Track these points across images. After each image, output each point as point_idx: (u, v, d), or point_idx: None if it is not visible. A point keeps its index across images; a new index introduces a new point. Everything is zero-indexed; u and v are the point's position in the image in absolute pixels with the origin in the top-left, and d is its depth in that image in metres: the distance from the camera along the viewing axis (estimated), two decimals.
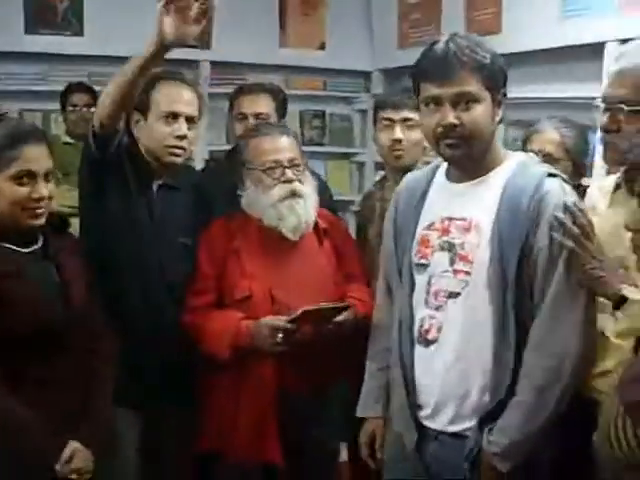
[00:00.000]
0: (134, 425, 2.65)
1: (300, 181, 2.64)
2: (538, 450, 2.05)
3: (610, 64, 2.41)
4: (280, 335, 2.46)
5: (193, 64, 5.08)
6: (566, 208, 1.97)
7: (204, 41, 5.03)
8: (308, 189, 2.67)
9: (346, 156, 5.75)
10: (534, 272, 2.00)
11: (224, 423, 2.60)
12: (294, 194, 2.61)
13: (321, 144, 5.68)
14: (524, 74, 4.17)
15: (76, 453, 2.21)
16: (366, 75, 5.63)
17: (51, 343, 2.17)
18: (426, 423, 2.17)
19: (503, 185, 2.05)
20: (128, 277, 2.64)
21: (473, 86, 1.99)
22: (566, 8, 3.76)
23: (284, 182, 2.62)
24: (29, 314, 2.11)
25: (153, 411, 2.68)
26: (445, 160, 2.16)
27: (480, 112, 2.01)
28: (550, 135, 2.83)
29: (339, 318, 2.54)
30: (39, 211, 2.19)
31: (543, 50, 3.88)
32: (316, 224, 2.72)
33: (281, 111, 3.31)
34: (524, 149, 2.82)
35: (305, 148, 4.62)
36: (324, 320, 2.53)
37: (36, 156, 2.18)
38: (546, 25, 3.84)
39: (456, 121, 2.00)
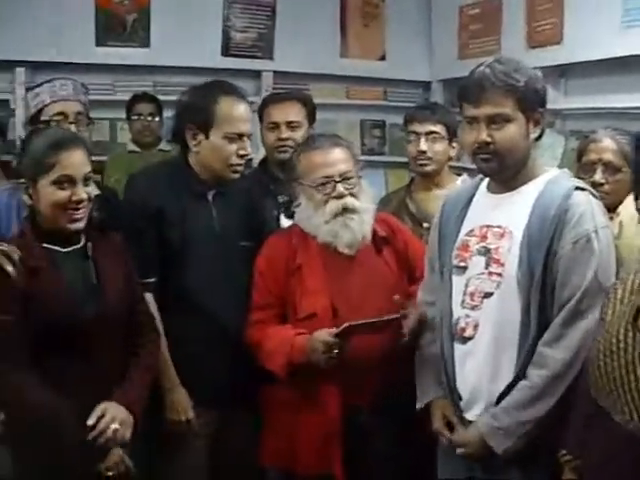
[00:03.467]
0: (207, 423, 2.71)
1: (353, 194, 2.60)
2: (537, 443, 2.14)
3: None
4: (335, 350, 2.44)
5: (255, 74, 5.19)
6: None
7: (267, 52, 5.15)
8: (362, 202, 2.63)
9: (406, 165, 5.75)
10: (556, 274, 2.14)
11: (288, 438, 2.60)
12: (346, 210, 2.59)
13: (381, 153, 5.74)
14: (585, 85, 4.18)
15: (107, 409, 2.22)
16: (426, 85, 5.67)
17: (85, 340, 2.22)
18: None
19: (536, 196, 2.22)
20: (196, 284, 2.68)
21: (505, 107, 2.18)
22: (627, 18, 3.72)
23: (336, 198, 2.59)
24: (59, 310, 2.17)
25: (226, 412, 2.73)
26: (480, 172, 2.34)
27: (512, 131, 2.20)
28: (608, 143, 2.81)
29: (405, 330, 2.46)
30: (78, 215, 2.26)
31: (604, 60, 3.85)
32: (375, 232, 2.69)
33: (312, 118, 3.34)
34: (579, 160, 2.84)
35: (365, 157, 4.71)
36: (378, 331, 2.50)
37: (75, 162, 2.25)
38: (607, 35, 3.80)
39: (489, 139, 2.20)
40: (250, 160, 2.88)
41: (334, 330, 2.43)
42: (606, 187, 2.67)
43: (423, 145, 3.19)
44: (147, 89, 4.94)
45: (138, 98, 4.70)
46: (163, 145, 4.64)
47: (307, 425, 2.56)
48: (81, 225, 2.28)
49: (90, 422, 2.17)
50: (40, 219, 2.27)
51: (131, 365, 2.39)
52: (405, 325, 2.45)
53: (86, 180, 2.27)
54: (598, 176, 2.71)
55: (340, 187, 2.59)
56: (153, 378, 2.49)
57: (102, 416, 2.20)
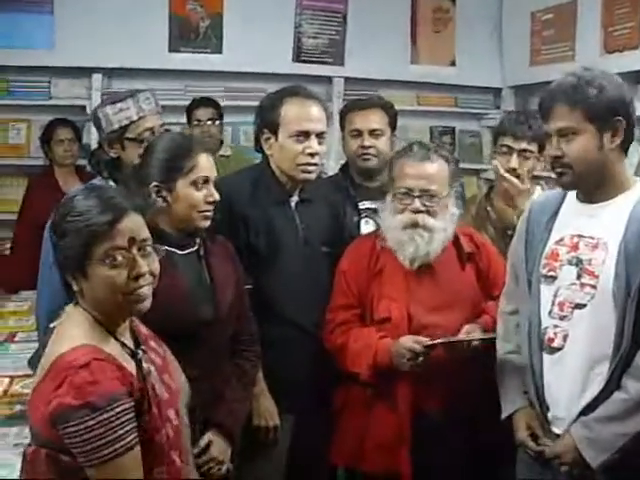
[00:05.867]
0: (288, 428, 2.74)
1: (430, 212, 2.60)
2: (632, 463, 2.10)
3: None
4: (421, 358, 2.48)
5: (327, 80, 5.22)
6: None
7: (338, 58, 5.17)
8: (439, 221, 2.63)
9: (475, 172, 5.74)
10: None
11: (359, 439, 2.64)
12: (416, 225, 2.60)
13: None
14: None
15: (213, 443, 2.32)
16: (496, 92, 5.63)
17: (195, 338, 2.29)
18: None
19: (631, 208, 2.18)
20: (280, 290, 2.71)
21: (571, 121, 2.17)
22: None
23: (411, 211, 2.61)
24: (178, 309, 2.24)
25: (304, 416, 2.76)
26: (558, 186, 2.33)
27: (581, 143, 2.18)
28: None
29: (475, 343, 2.52)
30: (210, 214, 2.38)
31: None
32: (460, 246, 2.71)
33: (393, 125, 3.33)
34: None
35: None
36: (458, 349, 2.53)
37: (209, 164, 2.38)
38: None
39: (558, 152, 2.21)
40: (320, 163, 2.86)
41: (426, 341, 2.47)
42: None
43: (514, 162, 3.04)
44: (218, 94, 5.00)
45: (197, 103, 4.70)
46: (223, 150, 4.69)
47: (378, 425, 2.61)
48: (208, 223, 2.39)
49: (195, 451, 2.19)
50: (167, 220, 2.33)
51: (236, 377, 2.46)
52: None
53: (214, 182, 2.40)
54: None
55: (417, 202, 2.61)
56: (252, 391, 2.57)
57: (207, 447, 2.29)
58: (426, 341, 2.48)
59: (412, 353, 2.48)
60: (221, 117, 4.70)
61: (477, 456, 2.60)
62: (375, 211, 3.03)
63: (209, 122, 4.64)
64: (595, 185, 2.23)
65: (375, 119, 3.26)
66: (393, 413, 2.58)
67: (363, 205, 3.17)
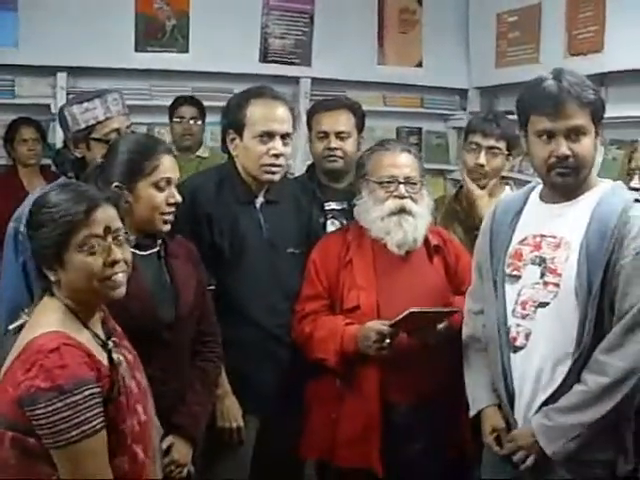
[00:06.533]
0: (252, 429, 2.74)
1: (413, 199, 2.69)
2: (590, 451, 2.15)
3: None
4: (387, 341, 2.51)
5: (294, 80, 5.22)
6: None
7: (304, 58, 5.17)
8: (421, 208, 2.71)
9: (441, 173, 5.77)
10: (616, 285, 2.13)
11: (329, 432, 2.67)
12: (403, 211, 2.67)
13: None
14: (625, 93, 4.13)
15: (174, 445, 2.33)
16: (462, 93, 5.67)
17: (157, 339, 2.28)
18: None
19: (593, 207, 2.21)
20: (245, 291, 2.71)
21: (582, 120, 2.18)
22: None
23: (396, 197, 2.68)
24: (139, 310, 2.22)
25: (269, 417, 2.77)
26: (554, 187, 2.29)
27: (587, 143, 2.20)
28: None
29: (441, 326, 2.56)
30: (171, 216, 2.36)
31: None
32: (427, 241, 2.76)
33: (360, 126, 3.32)
34: (629, 168, 2.85)
35: None
36: (427, 326, 2.56)
37: (171, 165, 2.37)
38: None
39: (569, 152, 2.18)
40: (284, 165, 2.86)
41: (397, 317, 2.48)
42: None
43: (482, 159, 3.10)
44: (185, 95, 4.97)
45: (181, 100, 4.69)
46: (201, 151, 4.68)
47: (347, 418, 2.65)
48: (169, 227, 2.37)
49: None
50: (128, 221, 2.27)
51: (198, 379, 2.45)
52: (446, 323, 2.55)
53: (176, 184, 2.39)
54: (634, 182, 2.79)
55: (402, 188, 2.68)
56: (215, 393, 2.56)
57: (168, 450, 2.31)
58: (392, 320, 2.49)
59: (378, 335, 2.51)
60: (204, 117, 4.69)
61: (447, 451, 2.65)
62: (341, 212, 3.10)
63: (192, 121, 4.63)
64: (578, 186, 2.25)
65: (342, 121, 3.24)
66: (362, 405, 2.62)
67: (329, 206, 3.17)
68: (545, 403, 2.20)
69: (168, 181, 2.34)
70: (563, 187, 2.26)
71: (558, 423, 2.15)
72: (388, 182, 2.69)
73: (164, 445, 2.28)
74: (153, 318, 2.29)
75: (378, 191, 2.70)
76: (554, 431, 2.15)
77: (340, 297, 2.71)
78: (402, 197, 2.68)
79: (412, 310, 2.44)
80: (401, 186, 2.68)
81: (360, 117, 3.31)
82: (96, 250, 1.81)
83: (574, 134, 2.17)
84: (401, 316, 2.46)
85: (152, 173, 2.32)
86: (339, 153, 3.20)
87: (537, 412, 2.21)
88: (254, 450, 2.77)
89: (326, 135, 3.23)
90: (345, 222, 3.08)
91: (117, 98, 2.73)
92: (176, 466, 2.33)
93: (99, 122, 2.66)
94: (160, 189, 2.33)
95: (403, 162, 2.72)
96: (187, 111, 4.63)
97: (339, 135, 3.21)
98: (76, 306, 1.84)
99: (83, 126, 2.66)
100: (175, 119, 4.65)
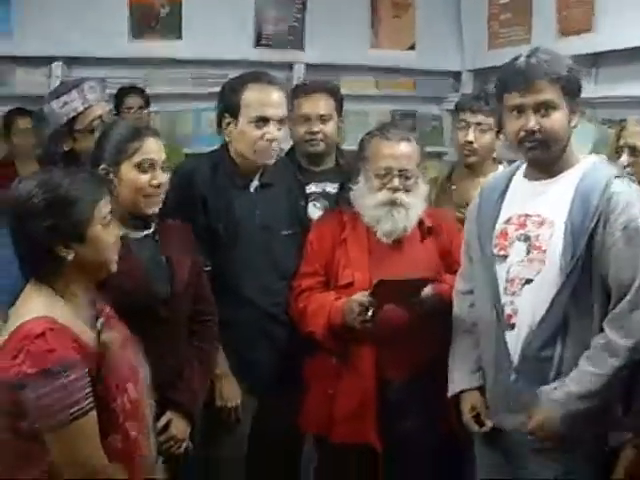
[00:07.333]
0: (250, 409, 2.80)
1: (407, 191, 2.72)
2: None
3: None
4: (369, 313, 2.55)
5: (287, 66, 5.24)
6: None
7: (298, 44, 5.18)
8: (414, 199, 2.74)
9: (437, 155, 5.79)
10: (607, 259, 2.17)
11: (327, 408, 2.73)
12: (394, 203, 2.70)
13: None
14: (615, 73, 4.17)
15: (172, 422, 2.38)
16: (456, 75, 5.68)
17: (153, 316, 2.32)
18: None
19: (576, 184, 2.25)
20: (243, 273, 2.76)
21: (552, 95, 2.23)
22: None
23: (389, 189, 2.71)
24: (133, 287, 2.27)
25: (266, 396, 2.82)
26: (527, 160, 2.36)
27: (558, 118, 2.24)
28: (634, 129, 2.87)
29: (425, 292, 2.60)
30: (156, 198, 2.39)
31: (635, 48, 3.84)
32: (422, 222, 2.80)
33: (339, 109, 3.33)
34: (617, 146, 2.89)
35: None
36: (407, 295, 2.60)
37: (155, 147, 2.39)
38: (639, 23, 3.79)
39: (537, 126, 2.23)
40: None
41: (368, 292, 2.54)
42: (629, 169, 2.73)
43: (471, 135, 3.18)
44: (180, 81, 5.04)
45: (127, 91, 4.68)
46: None
47: (343, 395, 2.71)
48: (157, 209, 2.40)
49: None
50: (117, 203, 2.32)
51: (195, 358, 2.50)
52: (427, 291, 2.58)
53: (162, 167, 2.39)
54: (622, 159, 2.81)
55: (396, 181, 2.71)
56: (212, 371, 2.61)
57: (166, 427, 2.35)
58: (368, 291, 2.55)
59: (360, 307, 2.55)
60: (148, 105, 4.70)
61: (440, 426, 2.68)
62: (321, 194, 3.15)
63: (139, 110, 4.63)
64: (553, 161, 2.30)
65: (323, 104, 3.25)
66: (358, 382, 2.67)
67: (310, 189, 3.20)
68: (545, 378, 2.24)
69: (151, 163, 2.36)
70: (534, 161, 2.32)
71: (577, 410, 2.18)
72: (383, 174, 2.71)
73: (162, 421, 2.33)
74: (148, 294, 2.33)
75: (373, 180, 2.73)
76: (572, 418, 2.18)
77: (335, 274, 2.77)
78: (395, 190, 2.70)
79: (381, 279, 2.50)
80: (395, 179, 2.70)
81: (339, 100, 3.33)
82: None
83: (543, 109, 2.22)
84: (372, 286, 2.51)
85: (134, 154, 2.34)
86: (320, 136, 3.22)
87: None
88: (252, 428, 2.82)
89: (308, 119, 3.23)
90: (327, 204, 3.14)
91: (94, 85, 2.76)
92: (174, 442, 2.38)
93: (80, 113, 2.70)
94: (143, 171, 2.35)
95: (401, 152, 2.73)
96: (134, 101, 4.63)
97: (321, 118, 3.22)
98: (68, 288, 1.88)
99: (65, 120, 2.70)
100: (123, 109, 4.60)
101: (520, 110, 2.25)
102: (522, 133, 2.25)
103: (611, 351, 2.14)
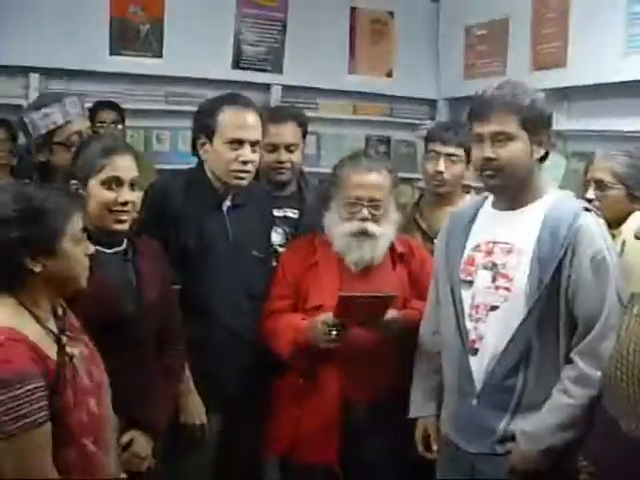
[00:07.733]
0: (215, 426, 2.81)
1: (375, 220, 2.74)
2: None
3: None
4: (334, 332, 2.57)
5: (265, 87, 5.27)
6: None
7: (276, 66, 5.22)
8: (383, 228, 2.76)
9: (409, 181, 5.84)
10: (574, 289, 2.21)
11: (293, 428, 2.75)
12: (363, 233, 2.73)
13: None
14: (588, 107, 4.25)
15: (135, 439, 2.37)
16: (431, 103, 5.75)
17: (120, 334, 2.32)
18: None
19: (543, 215, 2.30)
20: (212, 292, 2.76)
21: (508, 126, 2.28)
22: (630, 44, 3.80)
23: (359, 219, 2.73)
24: (102, 304, 2.26)
25: (232, 415, 2.83)
26: (486, 189, 2.43)
27: (515, 149, 2.30)
28: (600, 163, 2.94)
29: (390, 315, 2.62)
30: (123, 217, 2.39)
31: (607, 84, 3.93)
32: (394, 249, 2.83)
33: (305, 135, 3.34)
34: (585, 180, 2.95)
35: None
36: (371, 313, 2.60)
37: (123, 165, 2.39)
38: (610, 60, 3.88)
39: (492, 155, 2.30)
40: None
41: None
42: (596, 203, 2.77)
43: (441, 166, 3.21)
44: (158, 99, 5.05)
45: (101, 105, 4.63)
46: None
47: (309, 416, 2.72)
48: (125, 227, 2.40)
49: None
50: (88, 219, 2.32)
51: (161, 375, 2.50)
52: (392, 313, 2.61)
53: (132, 185, 2.40)
54: (589, 193, 2.86)
55: (365, 211, 2.73)
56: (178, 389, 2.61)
57: (129, 444, 2.35)
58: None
59: (324, 325, 2.58)
60: (123, 121, 4.68)
61: (409, 451, 2.69)
62: (283, 219, 3.15)
63: (112, 125, 4.59)
64: (516, 191, 2.34)
65: (290, 134, 3.24)
66: (323, 404, 2.69)
67: (276, 213, 3.17)
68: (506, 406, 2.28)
69: (118, 180, 2.36)
70: (492, 189, 2.38)
71: (550, 444, 2.21)
72: (353, 204, 2.73)
73: (125, 439, 2.33)
74: (116, 312, 2.33)
75: (343, 209, 2.75)
76: (546, 454, 2.22)
77: (304, 297, 2.78)
78: (364, 219, 2.72)
79: (342, 294, 2.53)
80: (364, 209, 2.73)
81: (305, 126, 3.33)
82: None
83: (500, 139, 2.29)
84: (336, 303, 2.53)
85: (101, 171, 2.36)
86: (288, 165, 3.22)
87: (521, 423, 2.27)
88: (216, 448, 2.82)
89: (275, 148, 3.21)
90: (287, 230, 3.14)
91: (75, 101, 2.78)
92: (137, 459, 2.37)
93: (59, 127, 2.72)
94: (109, 188, 2.36)
95: (371, 182, 2.74)
96: (107, 116, 4.59)
97: (288, 148, 3.22)
98: (34, 300, 1.88)
99: (44, 131, 2.72)
100: (97, 124, 4.49)
101: (480, 139, 2.32)
102: (480, 161, 2.33)
103: (583, 383, 2.18)
